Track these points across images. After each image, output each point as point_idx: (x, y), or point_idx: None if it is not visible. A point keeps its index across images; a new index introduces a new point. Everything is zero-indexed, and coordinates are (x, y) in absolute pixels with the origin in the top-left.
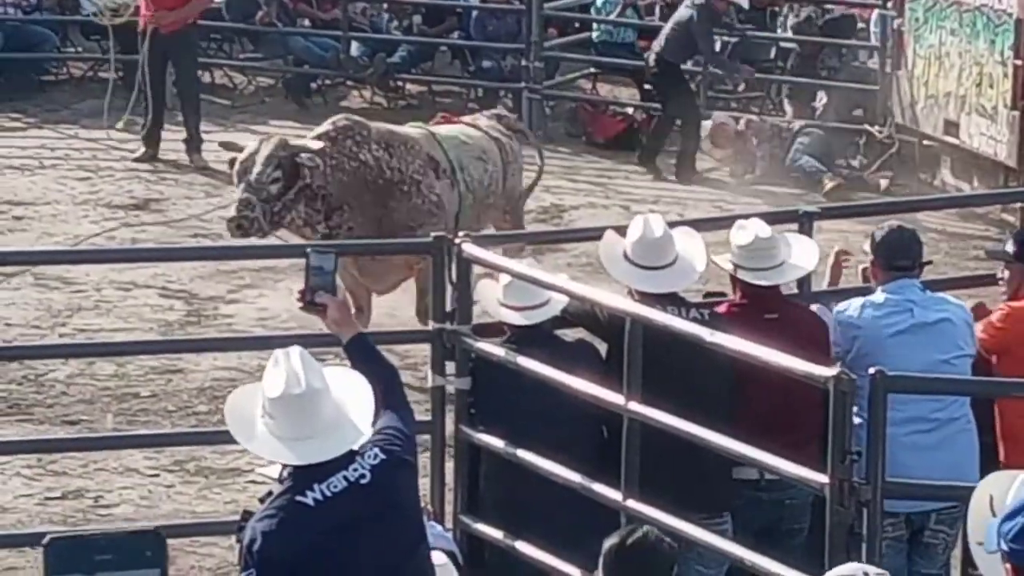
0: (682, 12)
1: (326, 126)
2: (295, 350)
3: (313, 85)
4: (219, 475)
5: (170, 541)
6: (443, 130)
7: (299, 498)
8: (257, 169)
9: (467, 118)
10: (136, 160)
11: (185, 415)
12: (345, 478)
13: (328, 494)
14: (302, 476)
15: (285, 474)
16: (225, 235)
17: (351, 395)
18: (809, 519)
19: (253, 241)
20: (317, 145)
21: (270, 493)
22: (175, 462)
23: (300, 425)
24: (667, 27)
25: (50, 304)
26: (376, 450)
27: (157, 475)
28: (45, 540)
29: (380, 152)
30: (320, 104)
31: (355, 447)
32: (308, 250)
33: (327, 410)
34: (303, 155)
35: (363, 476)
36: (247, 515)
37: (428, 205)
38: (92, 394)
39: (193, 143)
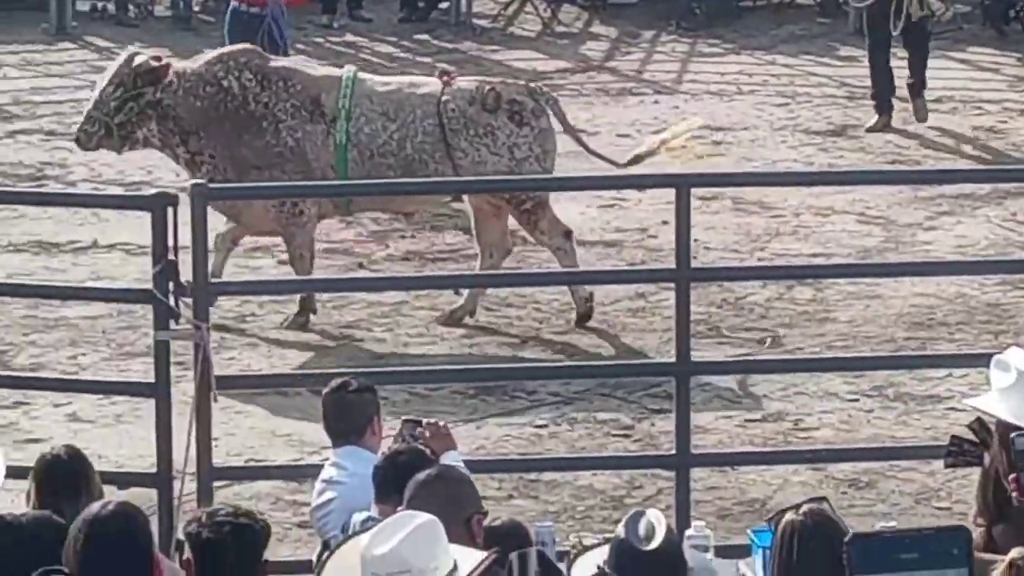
0: None
1: (215, 52)
2: None
3: (1011, 12)
4: (919, 401)
5: (869, 465)
6: (370, 78)
7: None
8: (101, 85)
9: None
10: (869, 130)
11: (883, 340)
12: None
13: None
14: None
15: None
16: (924, 162)
17: None
18: None
19: (953, 165)
20: (158, 64)
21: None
22: (874, 387)
23: None
24: None
25: (749, 228)
26: None
27: (856, 400)
28: (847, 538)
29: (251, 83)
30: (1020, 31)
31: None
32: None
33: None
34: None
35: None
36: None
37: (280, 147)
38: (791, 318)
39: (916, 88)
